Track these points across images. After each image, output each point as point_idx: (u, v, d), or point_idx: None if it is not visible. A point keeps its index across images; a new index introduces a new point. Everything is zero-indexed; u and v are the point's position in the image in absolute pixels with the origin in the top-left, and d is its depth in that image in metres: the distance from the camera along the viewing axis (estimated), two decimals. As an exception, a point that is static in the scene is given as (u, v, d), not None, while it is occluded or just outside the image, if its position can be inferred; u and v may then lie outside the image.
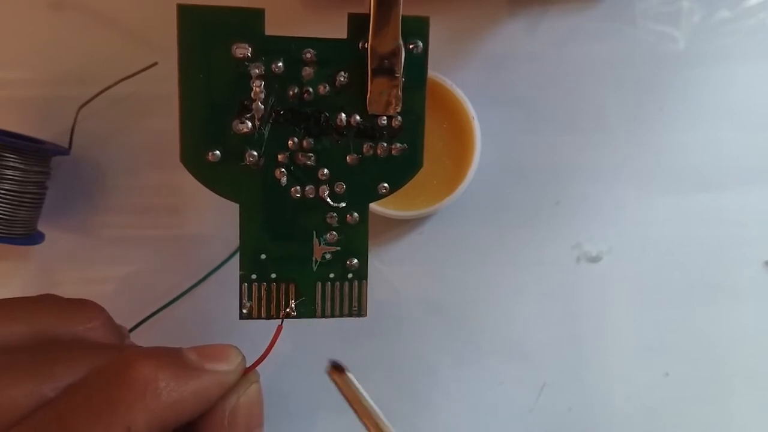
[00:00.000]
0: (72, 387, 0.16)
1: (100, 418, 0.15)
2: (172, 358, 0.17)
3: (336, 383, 0.19)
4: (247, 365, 0.20)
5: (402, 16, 0.18)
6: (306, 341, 0.30)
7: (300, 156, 0.19)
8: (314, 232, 0.20)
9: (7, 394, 0.15)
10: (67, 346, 0.18)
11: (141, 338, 0.25)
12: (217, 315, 0.30)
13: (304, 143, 0.19)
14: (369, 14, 0.18)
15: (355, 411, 0.18)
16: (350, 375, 0.19)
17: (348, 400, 0.19)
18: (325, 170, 0.19)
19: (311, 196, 0.19)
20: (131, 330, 0.27)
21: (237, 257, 0.19)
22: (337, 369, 0.20)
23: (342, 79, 0.19)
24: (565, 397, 0.30)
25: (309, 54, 0.18)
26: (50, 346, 0.18)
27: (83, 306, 0.19)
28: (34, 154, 0.27)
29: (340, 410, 0.30)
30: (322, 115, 0.19)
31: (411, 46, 0.19)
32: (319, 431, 0.30)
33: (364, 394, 0.19)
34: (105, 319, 0.19)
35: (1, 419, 0.15)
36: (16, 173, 0.26)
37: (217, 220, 0.30)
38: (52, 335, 0.18)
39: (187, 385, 0.17)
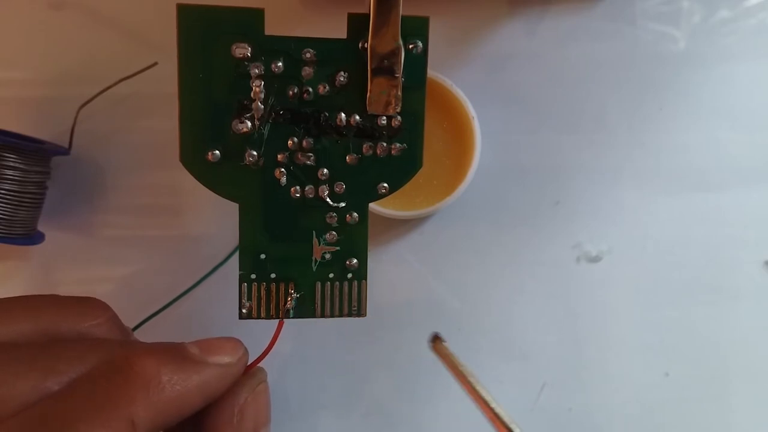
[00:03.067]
0: (75, 381, 0.16)
1: (102, 411, 0.15)
2: (174, 352, 0.17)
3: (436, 353, 0.21)
4: (250, 363, 0.20)
5: (402, 16, 0.18)
6: (307, 342, 0.30)
7: (300, 156, 0.19)
8: (314, 232, 0.20)
9: (12, 387, 0.15)
10: (72, 342, 0.18)
11: (142, 338, 0.25)
12: (217, 315, 0.30)
13: (304, 143, 0.19)
14: (369, 14, 0.18)
15: (455, 377, 0.21)
16: (446, 344, 0.21)
17: (448, 368, 0.21)
18: (325, 170, 0.19)
19: (311, 196, 0.19)
20: (133, 330, 0.27)
21: (237, 257, 0.19)
22: (436, 339, 0.22)
23: (342, 78, 0.19)
24: (565, 397, 0.30)
25: (309, 54, 0.18)
26: (55, 342, 0.18)
27: (88, 303, 0.20)
28: (34, 154, 0.27)
29: (341, 411, 0.30)
30: (322, 114, 0.19)
31: (411, 46, 0.19)
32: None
33: (460, 360, 0.21)
34: (110, 316, 0.20)
35: (4, 411, 0.15)
36: (16, 173, 0.26)
37: (217, 220, 0.30)
38: (57, 332, 0.18)
39: (190, 379, 0.17)
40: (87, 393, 0.16)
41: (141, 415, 0.15)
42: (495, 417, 0.20)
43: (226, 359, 0.18)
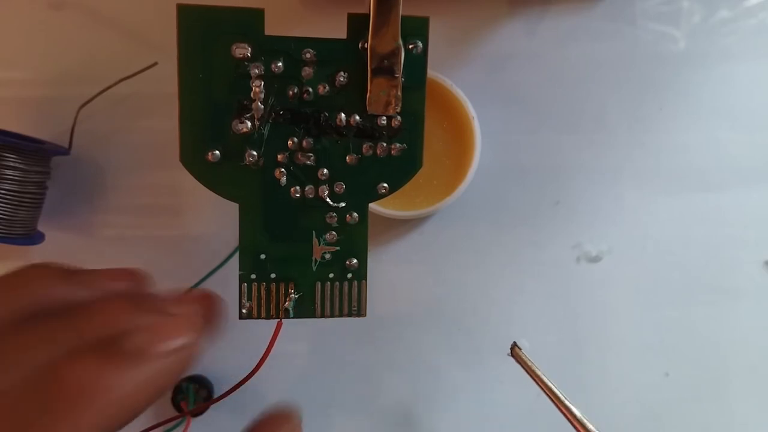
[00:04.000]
0: (16, 387, 0.15)
1: (47, 421, 0.14)
2: (112, 351, 0.16)
3: (516, 359, 0.25)
4: (250, 366, 0.20)
5: (402, 16, 0.18)
6: (307, 342, 0.30)
7: (300, 156, 0.19)
8: (314, 232, 0.20)
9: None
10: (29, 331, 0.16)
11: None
12: (217, 315, 0.30)
13: (304, 143, 0.19)
14: (369, 14, 0.18)
15: (532, 378, 0.24)
16: (521, 352, 0.25)
17: (526, 370, 0.25)
18: (325, 170, 0.19)
19: (311, 196, 0.19)
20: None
21: (237, 257, 0.19)
22: (514, 347, 0.25)
23: (342, 79, 0.19)
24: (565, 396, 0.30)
25: (309, 54, 0.18)
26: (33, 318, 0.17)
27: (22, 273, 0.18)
28: (34, 154, 0.27)
29: (341, 410, 0.30)
30: (322, 115, 0.19)
31: (411, 46, 0.19)
32: None
33: (535, 364, 0.25)
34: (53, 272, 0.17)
35: None
36: (16, 173, 0.26)
37: (217, 220, 0.30)
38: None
39: (136, 377, 0.15)
40: (28, 404, 0.15)
41: (85, 422, 0.15)
42: (570, 416, 0.23)
43: (178, 342, 0.16)
